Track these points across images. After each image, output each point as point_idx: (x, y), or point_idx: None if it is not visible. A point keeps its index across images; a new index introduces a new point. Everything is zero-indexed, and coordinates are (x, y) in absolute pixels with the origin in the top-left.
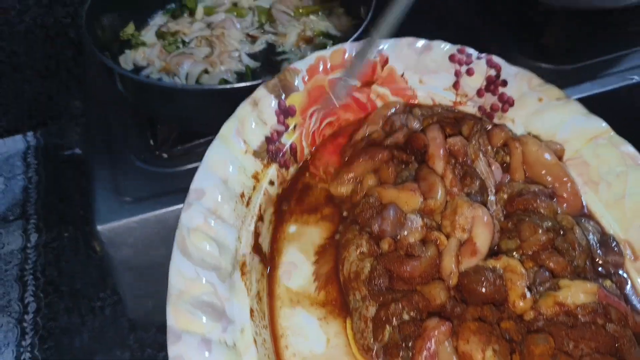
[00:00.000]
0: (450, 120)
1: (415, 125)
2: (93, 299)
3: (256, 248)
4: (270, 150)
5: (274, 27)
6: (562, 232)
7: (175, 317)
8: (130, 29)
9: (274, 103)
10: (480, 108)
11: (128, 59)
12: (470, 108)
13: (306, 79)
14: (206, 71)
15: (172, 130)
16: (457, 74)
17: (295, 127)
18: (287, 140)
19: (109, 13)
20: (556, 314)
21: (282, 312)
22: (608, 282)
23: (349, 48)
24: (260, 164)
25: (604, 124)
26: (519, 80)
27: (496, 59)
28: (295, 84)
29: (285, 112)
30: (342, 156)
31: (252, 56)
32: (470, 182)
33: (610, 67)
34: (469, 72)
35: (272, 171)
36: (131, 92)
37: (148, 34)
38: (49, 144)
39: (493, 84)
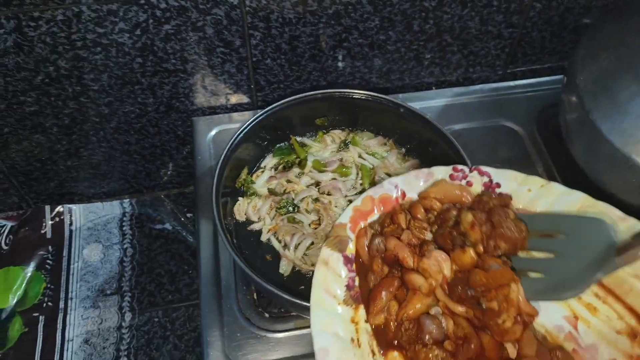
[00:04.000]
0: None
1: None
2: None
3: None
4: (352, 296)
5: None
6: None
7: None
8: (244, 174)
9: (339, 257)
10: None
11: (241, 210)
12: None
13: (351, 227)
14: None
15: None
16: None
17: None
18: None
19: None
20: None
21: None
22: None
23: (373, 192)
24: (351, 309)
25: (583, 195)
26: (508, 180)
27: (484, 168)
28: (346, 234)
29: (350, 261)
30: None
31: None
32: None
33: None
34: (469, 184)
35: (362, 312)
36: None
37: (260, 180)
38: (143, 214)
39: (490, 187)
